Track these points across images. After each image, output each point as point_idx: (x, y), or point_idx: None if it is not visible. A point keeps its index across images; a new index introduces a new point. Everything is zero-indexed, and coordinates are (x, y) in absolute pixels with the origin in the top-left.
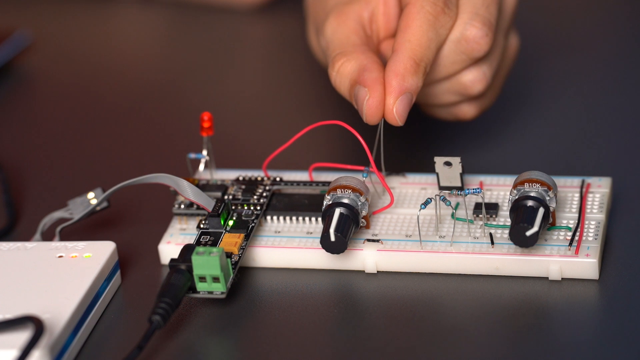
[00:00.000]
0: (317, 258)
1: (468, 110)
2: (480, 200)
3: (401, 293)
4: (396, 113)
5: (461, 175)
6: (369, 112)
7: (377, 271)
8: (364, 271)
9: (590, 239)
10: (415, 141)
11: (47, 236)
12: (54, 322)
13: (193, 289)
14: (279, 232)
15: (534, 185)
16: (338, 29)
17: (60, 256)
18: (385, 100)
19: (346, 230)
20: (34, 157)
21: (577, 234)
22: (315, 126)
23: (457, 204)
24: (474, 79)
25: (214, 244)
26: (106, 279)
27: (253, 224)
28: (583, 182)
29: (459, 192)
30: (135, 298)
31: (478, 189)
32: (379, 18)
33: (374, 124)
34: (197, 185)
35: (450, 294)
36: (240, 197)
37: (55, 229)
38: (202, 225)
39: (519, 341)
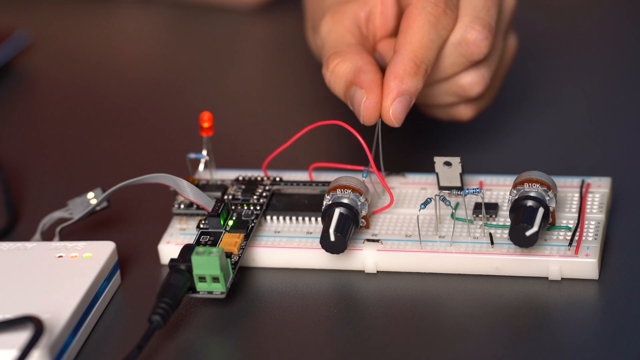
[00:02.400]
0: (317, 258)
1: (465, 112)
2: (480, 200)
3: (401, 293)
4: (392, 115)
5: (461, 175)
6: (366, 113)
7: (377, 271)
8: (363, 271)
9: (590, 239)
10: (415, 141)
11: (47, 236)
12: (53, 322)
13: (193, 289)
14: (278, 232)
15: (534, 185)
16: (333, 28)
17: (60, 256)
18: (382, 102)
19: (346, 230)
20: (34, 157)
21: (577, 234)
22: (315, 126)
23: (457, 204)
24: (472, 81)
25: (214, 244)
26: (106, 279)
27: (253, 224)
28: (583, 182)
29: (459, 192)
30: (135, 298)
31: (478, 189)
32: (376, 18)
33: (370, 124)
34: (197, 185)
35: (450, 294)
36: (240, 197)
37: (55, 229)
38: (202, 225)
39: (519, 341)
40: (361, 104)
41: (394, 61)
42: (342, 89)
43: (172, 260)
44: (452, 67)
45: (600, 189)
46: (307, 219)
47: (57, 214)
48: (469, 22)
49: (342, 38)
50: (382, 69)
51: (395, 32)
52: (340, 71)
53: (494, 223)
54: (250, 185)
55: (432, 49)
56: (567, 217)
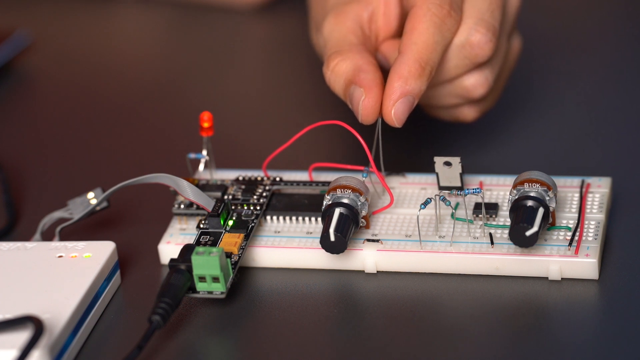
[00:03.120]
0: (317, 258)
1: (469, 113)
2: (480, 200)
3: (401, 293)
4: (394, 115)
5: (461, 175)
6: (364, 112)
7: (377, 271)
8: (363, 271)
9: (590, 239)
10: (415, 141)
11: (47, 236)
12: (53, 322)
13: (193, 289)
14: (278, 232)
15: (534, 185)
16: (335, 28)
17: (60, 256)
18: (385, 102)
19: (346, 230)
20: (34, 157)
21: (577, 234)
22: (315, 126)
23: (457, 204)
24: (476, 83)
25: (214, 244)
26: (106, 279)
27: (253, 224)
28: (583, 182)
29: (459, 192)
30: (135, 298)
31: (478, 189)
32: (379, 18)
33: (368, 124)
34: (197, 185)
35: (450, 294)
36: (240, 197)
37: (55, 229)
38: (202, 225)
39: (519, 341)
40: (360, 102)
41: (399, 62)
42: (342, 87)
43: (172, 260)
44: (456, 69)
45: (600, 189)
46: (307, 219)
47: (57, 214)
48: (473, 24)
49: (344, 38)
50: (385, 70)
51: (397, 33)
52: (340, 70)
53: (494, 223)
54: (250, 185)
55: (437, 50)
56: (567, 217)
